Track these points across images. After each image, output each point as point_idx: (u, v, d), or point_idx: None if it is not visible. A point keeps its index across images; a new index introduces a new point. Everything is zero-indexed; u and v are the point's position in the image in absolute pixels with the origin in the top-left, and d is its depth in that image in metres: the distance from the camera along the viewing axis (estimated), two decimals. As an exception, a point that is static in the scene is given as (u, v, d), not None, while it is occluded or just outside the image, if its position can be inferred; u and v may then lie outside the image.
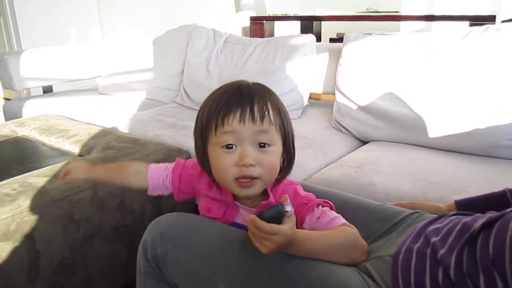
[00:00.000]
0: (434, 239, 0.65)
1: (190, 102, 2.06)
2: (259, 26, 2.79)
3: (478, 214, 0.65)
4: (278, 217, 0.63)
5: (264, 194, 0.80)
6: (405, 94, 1.47)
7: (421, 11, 3.05)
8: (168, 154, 1.44)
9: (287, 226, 0.63)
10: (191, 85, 2.10)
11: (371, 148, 1.50)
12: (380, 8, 3.13)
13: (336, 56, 1.76)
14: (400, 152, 1.40)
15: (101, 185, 1.19)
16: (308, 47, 1.84)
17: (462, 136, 1.35)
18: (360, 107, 1.59)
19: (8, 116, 2.33)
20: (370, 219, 0.85)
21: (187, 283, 0.75)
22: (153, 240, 0.77)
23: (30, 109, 2.24)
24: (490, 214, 0.61)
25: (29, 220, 1.07)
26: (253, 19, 2.84)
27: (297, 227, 0.66)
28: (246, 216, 0.79)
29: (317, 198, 0.79)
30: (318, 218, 0.75)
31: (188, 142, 1.47)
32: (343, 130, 1.66)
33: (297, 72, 1.82)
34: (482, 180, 1.17)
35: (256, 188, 0.76)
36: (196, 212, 0.88)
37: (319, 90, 1.92)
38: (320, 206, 0.77)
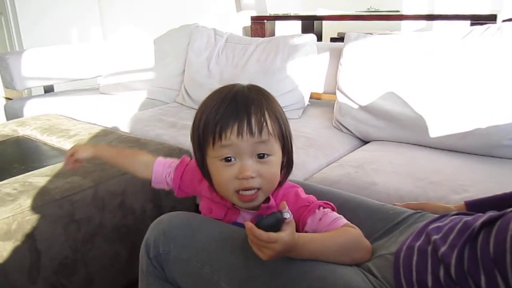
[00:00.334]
0: (435, 237, 0.65)
1: (191, 101, 2.07)
2: (260, 25, 2.79)
3: (480, 214, 0.65)
4: (276, 224, 0.63)
5: None
6: (406, 93, 1.47)
7: (422, 11, 3.05)
8: (169, 154, 1.43)
9: (286, 233, 0.62)
10: (192, 85, 2.10)
11: (372, 148, 1.50)
12: (381, 7, 3.14)
13: (337, 56, 1.76)
14: (400, 152, 1.40)
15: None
16: (309, 47, 1.84)
17: (463, 136, 1.35)
18: (361, 107, 1.59)
19: (9, 116, 2.33)
20: (372, 218, 0.85)
21: (189, 282, 0.75)
22: (156, 238, 0.77)
23: (31, 108, 2.24)
24: (491, 213, 0.61)
25: (30, 219, 1.07)
26: (254, 19, 2.84)
27: (299, 230, 0.66)
28: (247, 217, 0.79)
29: (318, 197, 0.79)
30: (320, 219, 0.74)
31: (189, 142, 1.46)
32: (344, 129, 1.66)
33: (298, 72, 1.82)
34: (483, 179, 1.17)
35: (258, 200, 0.75)
36: (197, 212, 0.88)
37: (320, 89, 1.92)
38: (322, 208, 0.76)
